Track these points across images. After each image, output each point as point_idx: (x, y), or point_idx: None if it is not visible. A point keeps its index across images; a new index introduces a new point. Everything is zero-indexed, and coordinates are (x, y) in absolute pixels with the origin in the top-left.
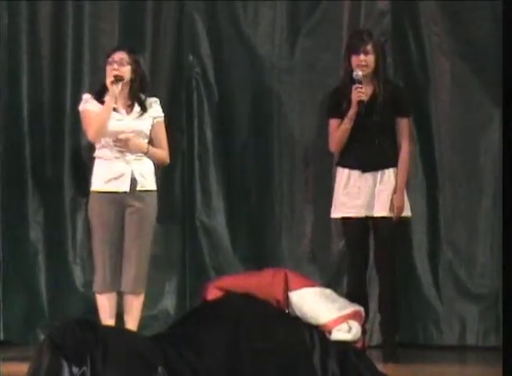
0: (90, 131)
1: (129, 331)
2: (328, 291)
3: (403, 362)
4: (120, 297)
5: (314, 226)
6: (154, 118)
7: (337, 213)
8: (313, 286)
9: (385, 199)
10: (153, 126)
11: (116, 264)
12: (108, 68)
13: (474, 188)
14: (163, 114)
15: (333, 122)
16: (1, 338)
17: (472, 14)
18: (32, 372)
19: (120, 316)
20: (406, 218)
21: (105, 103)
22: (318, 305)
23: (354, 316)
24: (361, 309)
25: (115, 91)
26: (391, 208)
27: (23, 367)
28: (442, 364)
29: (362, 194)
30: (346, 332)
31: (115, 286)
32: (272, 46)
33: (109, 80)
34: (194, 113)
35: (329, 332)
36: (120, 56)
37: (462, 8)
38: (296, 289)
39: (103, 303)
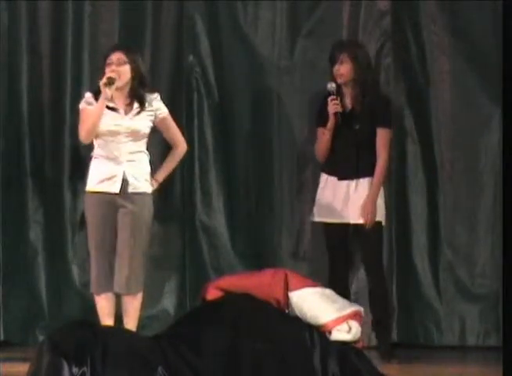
0: (81, 131)
1: (129, 331)
2: (328, 291)
3: (403, 362)
4: (119, 297)
5: (314, 226)
6: (156, 114)
7: (316, 217)
8: (313, 286)
9: (359, 207)
10: (158, 122)
11: (110, 265)
12: (106, 69)
13: (474, 188)
14: (165, 108)
15: (319, 131)
16: (1, 338)
17: (472, 14)
18: (32, 372)
19: (119, 316)
20: (379, 223)
21: (96, 105)
22: (318, 305)
23: (354, 316)
24: (361, 309)
25: (108, 93)
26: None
27: (23, 367)
28: (442, 364)
29: (336, 201)
30: (346, 332)
31: (111, 286)
32: (272, 46)
33: (102, 82)
34: (194, 113)
35: (329, 332)
36: (118, 56)
37: (462, 7)
38: (296, 289)
39: (102, 304)
